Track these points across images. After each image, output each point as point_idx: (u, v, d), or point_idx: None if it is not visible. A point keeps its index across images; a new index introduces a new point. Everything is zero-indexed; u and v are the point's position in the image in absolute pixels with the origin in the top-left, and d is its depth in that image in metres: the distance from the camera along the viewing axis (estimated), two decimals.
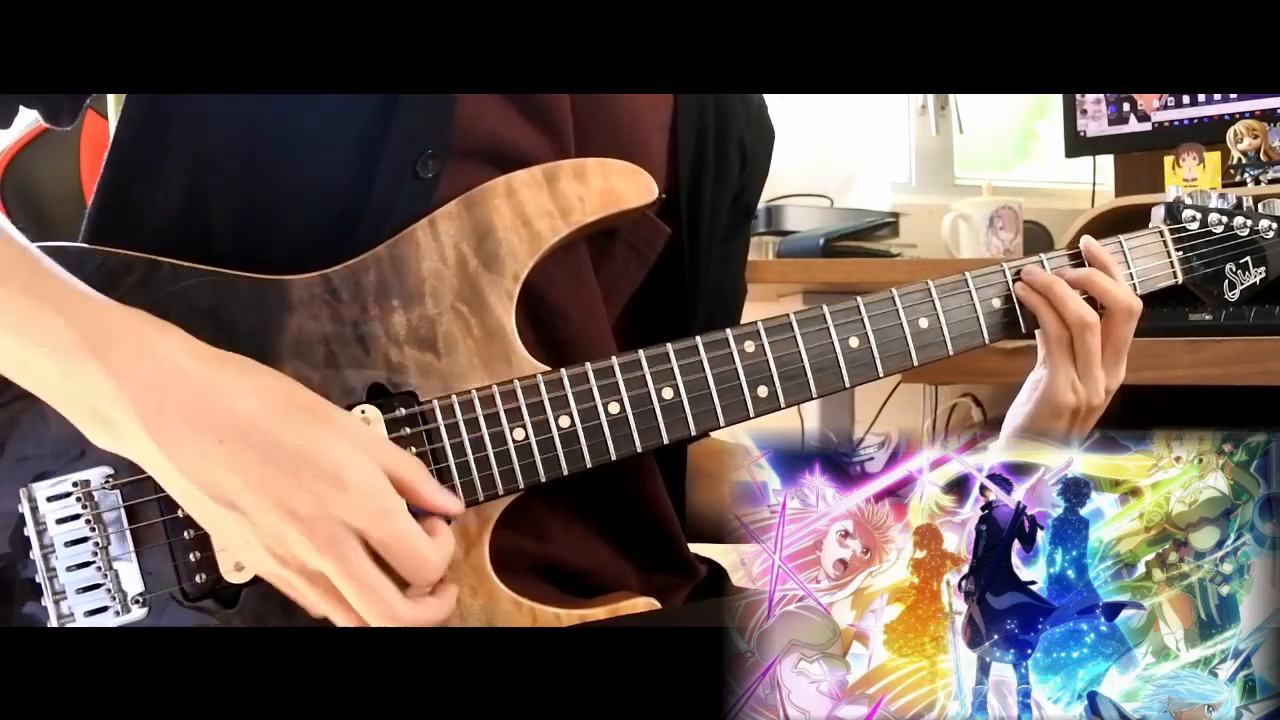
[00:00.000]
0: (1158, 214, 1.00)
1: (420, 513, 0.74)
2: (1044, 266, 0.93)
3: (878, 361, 0.88)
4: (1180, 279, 0.98)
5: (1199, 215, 0.99)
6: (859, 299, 0.88)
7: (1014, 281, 0.93)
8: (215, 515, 0.70)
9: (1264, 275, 1.00)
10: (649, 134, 0.93)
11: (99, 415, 0.70)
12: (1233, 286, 0.99)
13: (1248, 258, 1.00)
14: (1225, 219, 0.99)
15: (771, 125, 1.06)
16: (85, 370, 0.69)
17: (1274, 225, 1.00)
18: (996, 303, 0.92)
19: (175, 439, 0.69)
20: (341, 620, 0.73)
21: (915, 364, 0.90)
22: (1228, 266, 0.99)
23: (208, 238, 0.82)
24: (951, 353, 0.91)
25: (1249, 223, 1.00)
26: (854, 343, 0.87)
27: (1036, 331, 0.94)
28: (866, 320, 0.88)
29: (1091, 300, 0.93)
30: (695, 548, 1.00)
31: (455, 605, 0.77)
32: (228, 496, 0.69)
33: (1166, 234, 0.98)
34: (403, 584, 0.72)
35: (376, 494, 0.71)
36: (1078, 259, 0.95)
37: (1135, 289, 0.96)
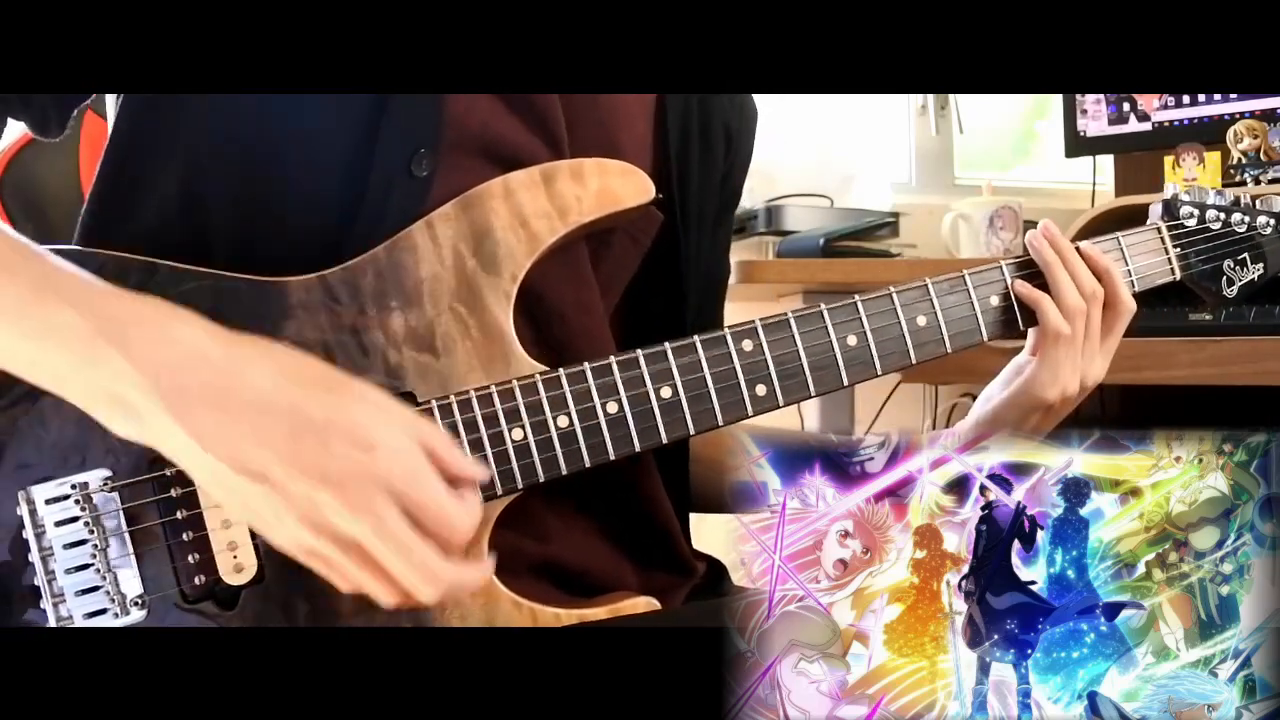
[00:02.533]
0: (1155, 211, 1.00)
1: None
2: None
3: (876, 360, 0.88)
4: (1178, 275, 0.98)
5: (1196, 212, 0.99)
6: (857, 297, 0.88)
7: (1014, 280, 0.93)
8: (245, 493, 0.69)
9: (1262, 271, 1.00)
10: (633, 122, 0.93)
11: (120, 402, 0.69)
12: (1231, 283, 0.99)
13: (1245, 254, 1.00)
14: (1223, 215, 0.99)
15: (754, 105, 1.06)
16: (104, 359, 0.68)
17: (1271, 221, 1.00)
18: (995, 300, 0.92)
19: (200, 419, 0.68)
20: (377, 591, 0.71)
21: (913, 362, 0.90)
22: (1225, 263, 0.99)
23: (205, 239, 0.82)
24: (950, 350, 0.90)
25: (1246, 219, 1.00)
26: (852, 341, 0.87)
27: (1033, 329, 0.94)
28: (864, 319, 0.88)
29: None
30: (695, 544, 1.00)
31: (491, 572, 0.77)
32: (258, 469, 0.68)
33: (1164, 230, 0.98)
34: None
35: (406, 455, 0.70)
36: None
37: (1133, 285, 0.96)
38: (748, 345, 0.84)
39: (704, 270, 1.01)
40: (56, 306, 0.69)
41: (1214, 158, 1.78)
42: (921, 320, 0.89)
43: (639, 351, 0.82)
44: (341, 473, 0.68)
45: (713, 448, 1.03)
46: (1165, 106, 1.92)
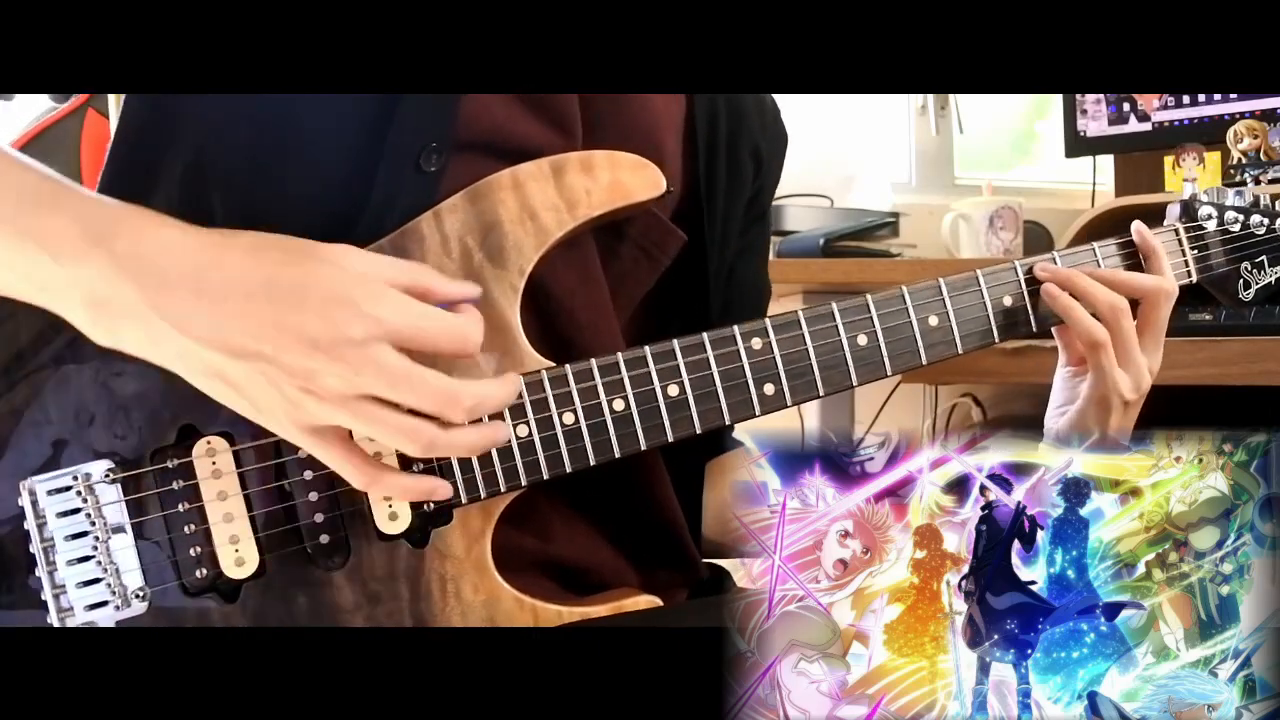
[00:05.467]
0: (1173, 211, 0.99)
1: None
2: (1056, 263, 0.92)
3: (886, 360, 0.87)
4: (1195, 278, 0.97)
5: (1215, 213, 0.97)
6: (868, 296, 0.87)
7: (1027, 282, 0.91)
8: (237, 376, 0.69)
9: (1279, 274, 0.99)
10: (664, 136, 0.93)
11: (103, 304, 0.69)
12: (1248, 286, 0.98)
13: (1264, 257, 0.99)
14: (1242, 217, 0.98)
15: (785, 131, 1.06)
16: (90, 260, 0.68)
17: None
18: (1008, 301, 0.91)
19: (183, 307, 0.68)
20: (403, 440, 0.71)
21: (924, 362, 0.88)
22: (1243, 265, 0.98)
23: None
24: (961, 351, 0.89)
25: (1266, 221, 0.98)
26: (862, 341, 0.86)
27: (1053, 329, 0.94)
28: (875, 318, 0.86)
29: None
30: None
31: (518, 385, 0.77)
32: (247, 347, 0.68)
33: (1181, 232, 0.97)
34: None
35: (384, 297, 0.70)
36: (1090, 254, 0.94)
37: None
38: (756, 344, 0.83)
39: (735, 287, 1.00)
40: (50, 212, 0.70)
41: (1214, 158, 1.78)
42: (933, 320, 0.88)
43: (646, 349, 0.82)
44: (328, 334, 0.68)
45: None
46: (1165, 106, 1.93)
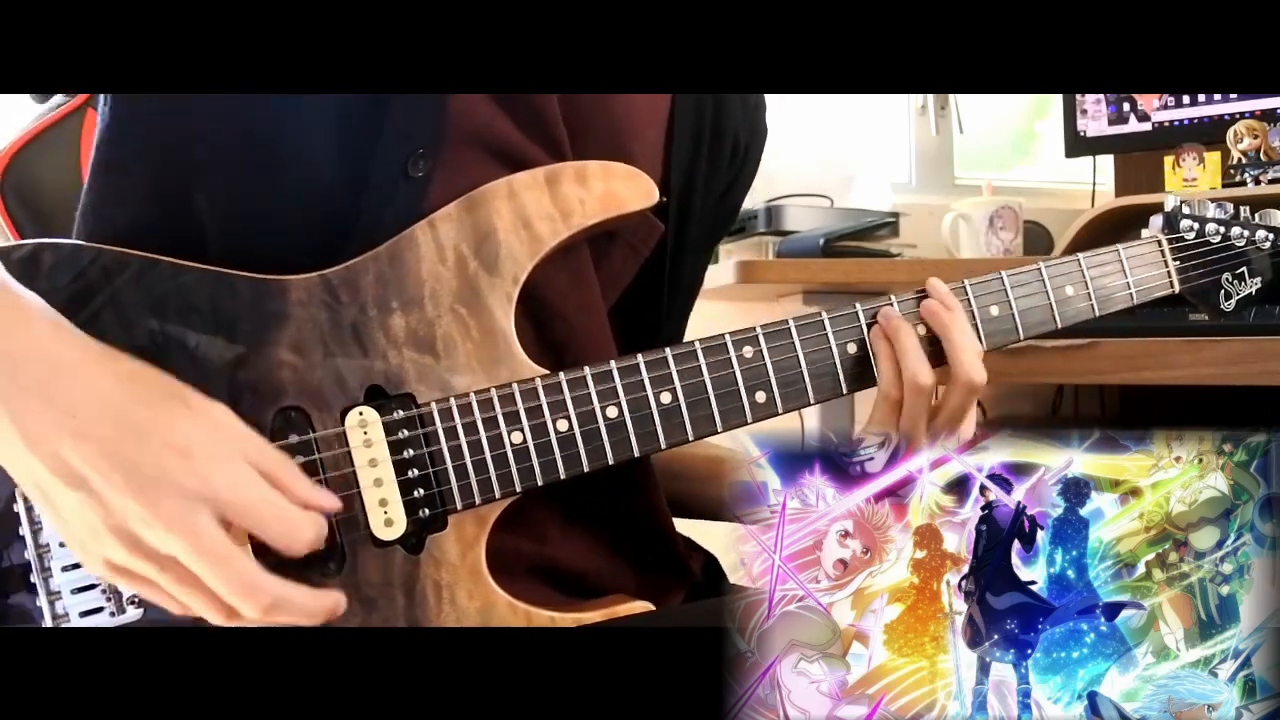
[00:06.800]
0: (1155, 223, 1.00)
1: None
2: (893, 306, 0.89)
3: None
4: (1177, 289, 0.98)
5: (1196, 225, 0.99)
6: (858, 305, 0.88)
7: (868, 326, 0.88)
8: (60, 498, 0.67)
9: (1260, 286, 1.00)
10: (645, 130, 0.93)
11: None
12: (1229, 296, 0.99)
13: (1244, 268, 1.00)
14: (1222, 229, 0.99)
15: (766, 125, 1.06)
16: None
17: (1270, 236, 1.00)
18: (995, 310, 0.91)
19: (27, 410, 0.66)
20: (201, 607, 0.69)
21: None
22: (1224, 276, 0.99)
23: (201, 238, 0.81)
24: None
25: (1245, 233, 1.00)
26: (852, 349, 0.87)
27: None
28: (865, 327, 0.87)
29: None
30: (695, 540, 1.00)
31: (339, 607, 0.73)
32: (75, 470, 0.66)
33: (1164, 243, 0.97)
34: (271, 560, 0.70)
35: (228, 464, 0.68)
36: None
37: (1132, 298, 0.96)
38: (748, 352, 0.84)
39: (685, 283, 1.00)
40: None
41: (1214, 158, 1.78)
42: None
43: (639, 356, 0.82)
44: (156, 482, 0.66)
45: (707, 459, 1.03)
46: (1165, 106, 1.92)
